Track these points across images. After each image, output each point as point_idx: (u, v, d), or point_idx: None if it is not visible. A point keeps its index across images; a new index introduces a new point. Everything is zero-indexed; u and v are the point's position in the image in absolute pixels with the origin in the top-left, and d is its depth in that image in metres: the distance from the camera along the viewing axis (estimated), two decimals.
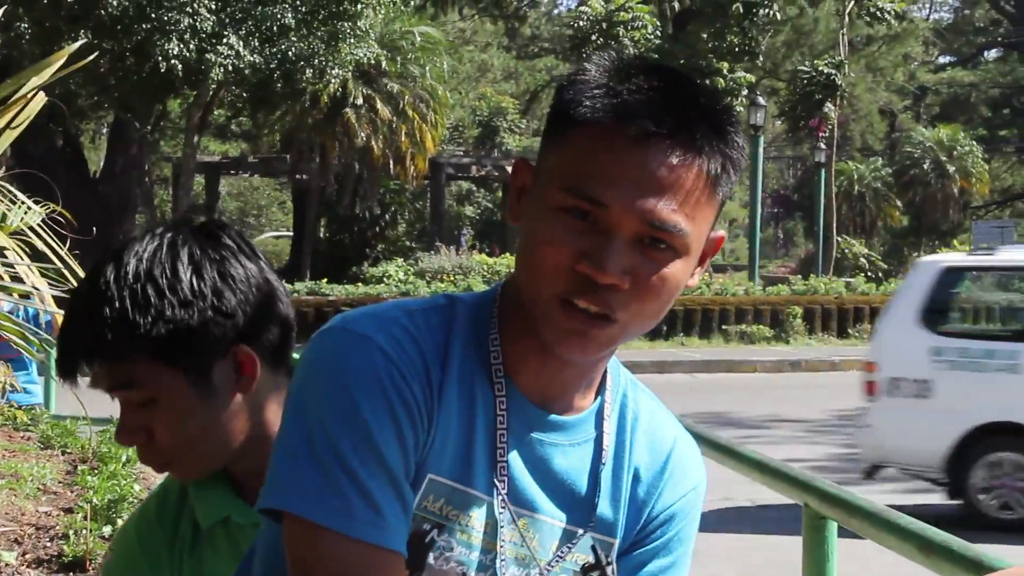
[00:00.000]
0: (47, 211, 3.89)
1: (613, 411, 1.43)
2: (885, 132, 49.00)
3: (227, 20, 20.41)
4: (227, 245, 1.75)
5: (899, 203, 36.73)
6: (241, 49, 20.37)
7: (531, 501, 1.37)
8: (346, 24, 21.55)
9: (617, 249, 1.25)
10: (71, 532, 4.48)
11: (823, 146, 27.92)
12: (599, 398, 1.42)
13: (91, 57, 4.41)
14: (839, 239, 28.56)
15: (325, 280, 20.97)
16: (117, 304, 1.66)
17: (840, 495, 2.65)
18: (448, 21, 39.01)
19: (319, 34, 21.50)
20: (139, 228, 23.78)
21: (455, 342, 1.34)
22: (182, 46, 19.90)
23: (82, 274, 1.99)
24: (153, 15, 19.88)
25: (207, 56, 20.13)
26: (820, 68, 28.01)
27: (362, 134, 24.70)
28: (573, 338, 1.28)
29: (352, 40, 21.85)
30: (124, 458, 5.68)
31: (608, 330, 1.28)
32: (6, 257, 3.66)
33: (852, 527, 2.59)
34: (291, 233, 36.66)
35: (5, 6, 9.60)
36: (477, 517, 1.34)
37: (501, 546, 1.35)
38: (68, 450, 6.31)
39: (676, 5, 31.45)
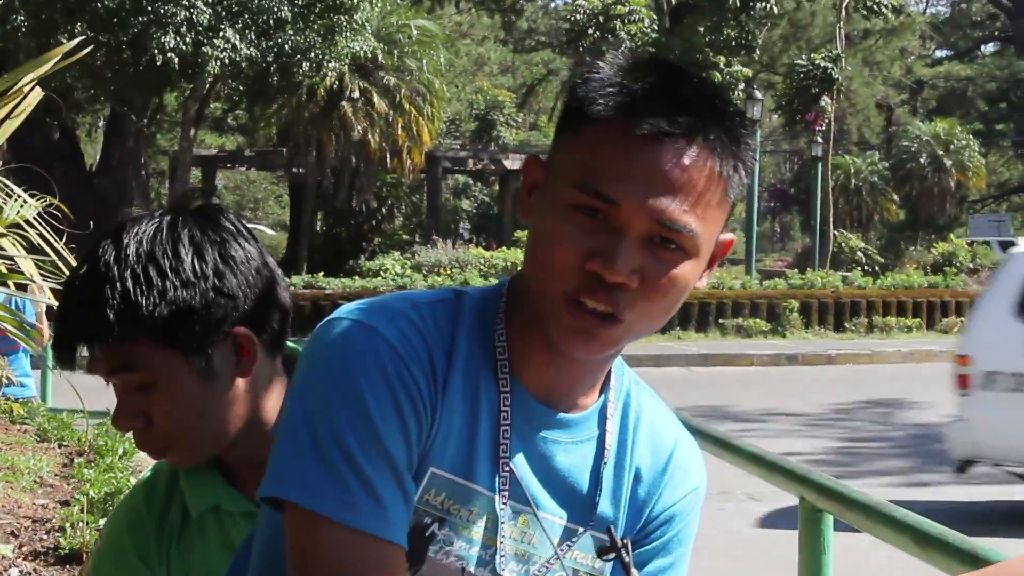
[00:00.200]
0: (43, 204, 3.89)
1: (616, 410, 1.43)
2: (882, 126, 48.99)
3: (223, 13, 20.38)
4: (226, 227, 1.74)
5: (896, 197, 36.71)
6: (237, 42, 20.33)
7: (532, 498, 1.37)
8: (342, 17, 21.51)
9: (627, 248, 1.25)
10: (68, 525, 4.48)
11: (820, 140, 27.91)
12: (603, 397, 1.42)
13: (86, 51, 4.41)
14: (836, 233, 28.55)
15: (322, 273, 20.94)
16: (119, 285, 1.65)
17: (836, 488, 2.65)
18: (445, 14, 38.95)
19: (315, 27, 21.47)
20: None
21: (461, 336, 1.34)
22: (178, 39, 19.86)
23: None
24: (149, 8, 19.83)
25: (203, 49, 20.09)
26: (817, 62, 27.99)
27: (359, 127, 24.67)
28: (579, 336, 1.28)
29: (348, 33, 21.81)
30: (121, 451, 5.68)
31: (614, 329, 1.28)
32: (3, 250, 3.65)
33: (848, 520, 2.59)
34: (268, 228, 36.74)
35: None
36: (478, 512, 1.34)
37: (501, 542, 1.35)
38: (65, 443, 6.31)
39: None
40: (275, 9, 20.54)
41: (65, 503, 4.95)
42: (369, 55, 23.30)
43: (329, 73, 22.63)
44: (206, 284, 1.68)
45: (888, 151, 41.30)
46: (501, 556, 1.36)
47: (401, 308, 1.33)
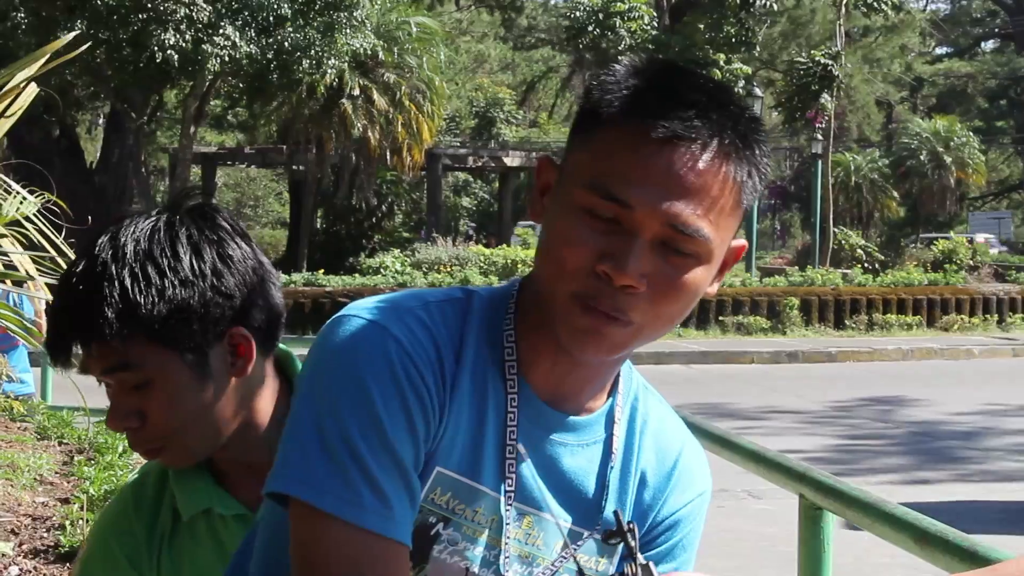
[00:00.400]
0: (43, 201, 3.88)
1: (624, 414, 1.43)
2: (882, 123, 48.98)
3: (223, 10, 20.36)
4: (223, 227, 1.74)
5: (896, 194, 36.71)
6: (237, 40, 20.32)
7: (537, 500, 1.36)
8: (342, 14, 21.50)
9: (638, 251, 1.24)
10: (68, 522, 4.48)
11: (820, 137, 27.88)
12: (610, 400, 1.42)
13: (84, 47, 4.40)
14: (836, 230, 28.51)
15: (322, 271, 20.94)
16: (117, 283, 1.64)
17: (836, 486, 2.65)
18: (445, 12, 38.94)
19: (315, 24, 21.45)
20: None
21: (470, 335, 1.34)
22: (178, 36, 19.85)
23: None
24: (149, 5, 19.82)
25: (203, 47, 20.07)
26: (817, 59, 27.94)
27: (359, 125, 24.64)
28: (588, 338, 1.28)
29: (348, 31, 21.80)
30: (120, 448, 5.68)
31: (623, 332, 1.28)
32: (1, 246, 3.65)
33: (848, 518, 2.59)
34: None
35: None
36: (483, 512, 1.34)
37: (505, 543, 1.35)
38: (65, 440, 6.31)
39: None
40: (275, 6, 20.53)
41: (65, 501, 4.95)
42: (369, 52, 23.29)
43: (329, 70, 22.60)
44: (204, 283, 1.67)
45: (888, 148, 41.30)
46: (505, 557, 1.36)
47: (411, 306, 1.32)
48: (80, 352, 1.69)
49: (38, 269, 3.64)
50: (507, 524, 1.35)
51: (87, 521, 4.42)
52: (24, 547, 4.35)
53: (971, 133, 37.88)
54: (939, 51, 55.17)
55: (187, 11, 19.82)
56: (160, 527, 1.77)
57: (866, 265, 26.17)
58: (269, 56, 21.10)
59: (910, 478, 9.19)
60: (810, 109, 27.90)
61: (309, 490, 1.24)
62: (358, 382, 1.26)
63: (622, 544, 1.36)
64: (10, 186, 3.86)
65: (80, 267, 1.68)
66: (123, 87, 22.59)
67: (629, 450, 1.42)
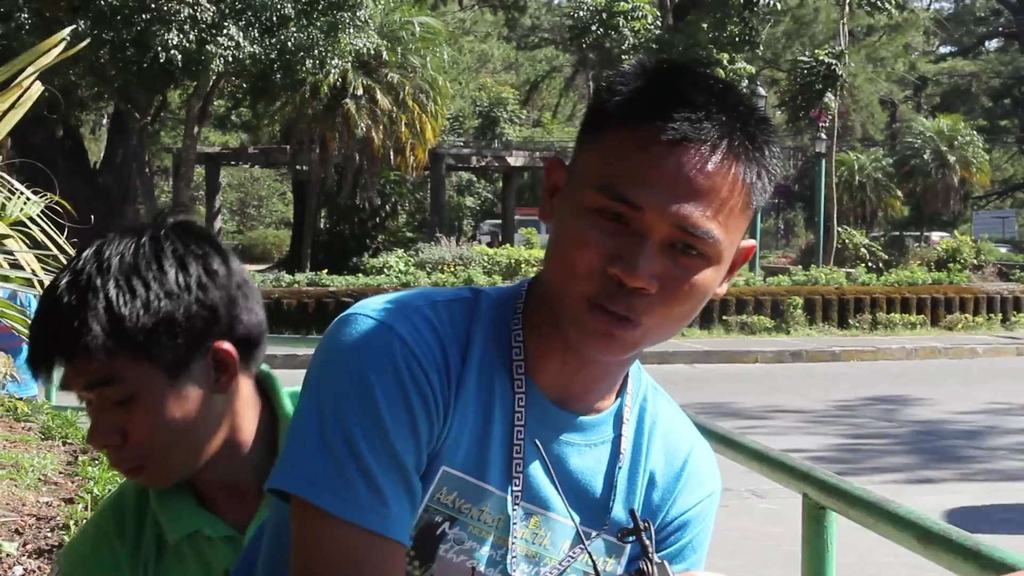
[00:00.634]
0: (46, 201, 3.89)
1: (632, 414, 1.43)
2: (886, 122, 48.97)
3: (227, 10, 20.39)
4: (207, 242, 1.73)
5: (900, 193, 36.68)
6: (241, 40, 20.34)
7: (545, 499, 1.36)
8: (346, 14, 21.52)
9: (648, 252, 1.24)
10: (72, 522, 4.49)
11: (824, 136, 27.86)
12: (619, 400, 1.42)
13: (84, 43, 4.40)
14: (840, 229, 28.50)
15: (325, 271, 20.95)
16: (102, 295, 1.62)
17: (840, 485, 2.65)
18: (448, 11, 38.98)
19: (319, 24, 21.47)
20: (140, 217, 23.78)
21: (477, 335, 1.34)
22: (182, 36, 19.87)
23: None
24: (153, 5, 19.85)
25: (207, 47, 20.10)
26: (820, 58, 27.94)
27: (362, 125, 24.66)
28: (598, 339, 1.28)
29: (352, 30, 21.82)
30: None
31: (633, 333, 1.28)
32: (5, 246, 3.65)
33: (852, 517, 2.59)
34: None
35: None
36: (489, 512, 1.34)
37: (512, 542, 1.35)
38: (69, 440, 6.30)
39: None
40: (278, 6, 20.55)
41: (69, 501, 4.95)
42: (372, 52, 23.30)
43: (332, 70, 22.63)
44: (189, 296, 1.66)
45: (892, 147, 41.28)
46: (512, 557, 1.35)
47: (418, 306, 1.32)
48: (62, 368, 1.67)
49: (43, 268, 3.64)
50: (514, 524, 1.34)
51: None
52: (28, 547, 4.35)
53: (975, 132, 37.84)
54: (943, 50, 55.14)
55: (191, 11, 19.85)
56: (144, 551, 1.74)
57: (870, 264, 26.16)
58: (273, 56, 21.11)
59: (914, 477, 9.18)
60: (814, 108, 27.89)
61: (309, 487, 1.24)
62: (362, 381, 1.26)
63: (631, 545, 1.36)
64: (14, 186, 3.87)
65: (64, 280, 1.66)
66: (127, 87, 22.62)
67: (638, 450, 1.42)
